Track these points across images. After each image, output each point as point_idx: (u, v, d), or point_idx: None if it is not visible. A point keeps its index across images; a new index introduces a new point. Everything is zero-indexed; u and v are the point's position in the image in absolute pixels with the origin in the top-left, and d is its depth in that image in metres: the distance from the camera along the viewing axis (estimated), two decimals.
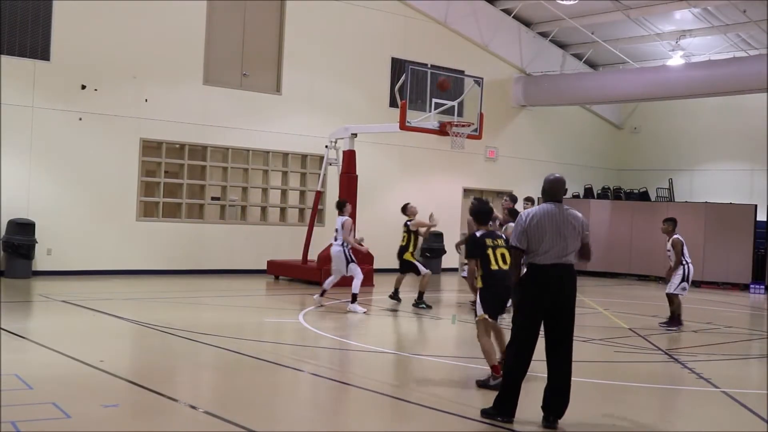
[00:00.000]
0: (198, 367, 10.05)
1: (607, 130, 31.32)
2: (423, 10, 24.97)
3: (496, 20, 26.61)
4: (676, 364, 11.08)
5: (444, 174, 25.38)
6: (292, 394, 8.99)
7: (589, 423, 7.79)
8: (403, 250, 16.43)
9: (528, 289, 7.53)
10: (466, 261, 14.85)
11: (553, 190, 7.68)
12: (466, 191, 26.47)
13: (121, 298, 15.66)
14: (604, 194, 28.73)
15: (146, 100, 19.97)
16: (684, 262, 14.12)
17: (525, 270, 7.67)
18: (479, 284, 9.10)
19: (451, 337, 13.24)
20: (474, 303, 13.98)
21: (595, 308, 16.48)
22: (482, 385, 8.97)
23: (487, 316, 9.01)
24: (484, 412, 7.58)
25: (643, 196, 28.31)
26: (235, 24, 21.68)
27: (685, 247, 14.24)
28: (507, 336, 8.11)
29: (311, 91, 22.74)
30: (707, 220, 24.10)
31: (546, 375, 7.55)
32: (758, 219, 24.49)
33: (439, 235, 24.44)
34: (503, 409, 7.48)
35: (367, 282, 19.42)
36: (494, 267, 9.02)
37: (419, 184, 24.80)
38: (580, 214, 7.68)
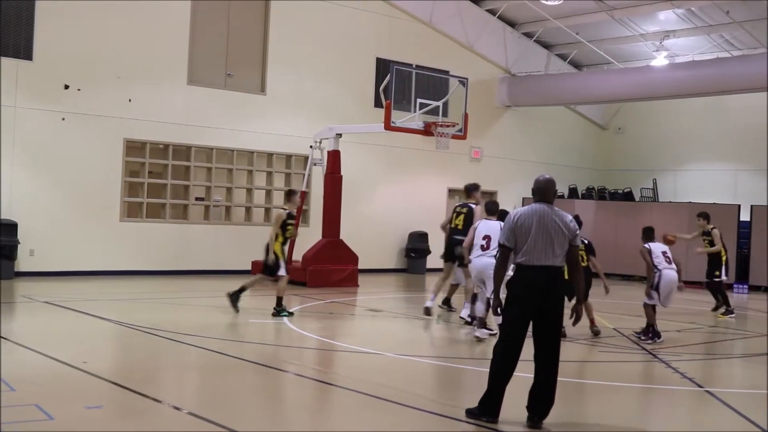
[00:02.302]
0: (182, 368, 10.02)
1: (591, 131, 31.41)
2: (408, 11, 24.97)
3: (481, 20, 26.63)
4: (660, 363, 11.12)
5: (429, 174, 25.40)
6: (276, 394, 8.98)
7: (573, 423, 7.81)
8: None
9: (515, 290, 7.54)
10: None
11: (543, 190, 7.69)
12: (451, 191, 26.48)
13: (104, 299, 15.59)
14: (588, 194, 28.83)
15: (130, 100, 19.89)
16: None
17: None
18: None
19: (436, 337, 13.24)
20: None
21: None
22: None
23: None
24: (469, 412, 7.57)
25: (627, 196, 28.41)
26: (219, 24, 21.62)
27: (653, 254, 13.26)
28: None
29: (296, 91, 22.70)
30: (691, 221, 24.12)
31: (531, 375, 7.55)
32: (741, 219, 24.61)
33: (423, 236, 24.46)
34: (488, 409, 7.47)
35: (352, 283, 19.46)
36: None
37: (404, 184, 24.83)
38: (570, 217, 7.68)
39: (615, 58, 27.86)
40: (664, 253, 13.14)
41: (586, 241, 12.79)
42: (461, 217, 14.30)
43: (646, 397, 9.43)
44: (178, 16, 20.73)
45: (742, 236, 24.44)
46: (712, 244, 17.03)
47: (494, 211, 12.77)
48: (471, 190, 14.67)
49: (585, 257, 12.60)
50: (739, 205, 24.73)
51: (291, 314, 14.11)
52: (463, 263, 13.35)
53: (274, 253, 14.09)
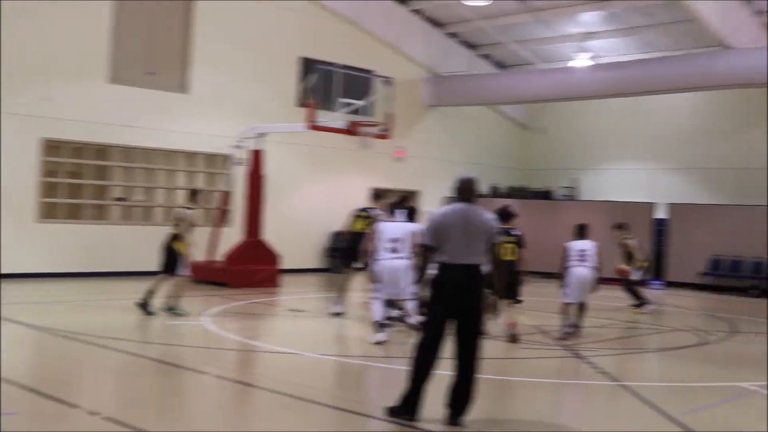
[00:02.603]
0: (100, 372, 9.83)
1: (514, 130, 31.76)
2: (333, 10, 24.92)
3: (406, 20, 26.71)
4: (577, 359, 11.31)
5: (353, 174, 25.38)
6: (195, 397, 8.89)
7: (492, 420, 7.90)
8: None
9: (436, 288, 7.59)
10: None
11: (464, 190, 7.76)
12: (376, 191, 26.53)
13: (20, 302, 15.21)
14: (510, 193, 29.15)
15: (48, 99, 19.43)
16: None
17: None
18: None
19: (356, 337, 13.25)
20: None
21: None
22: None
23: None
24: (389, 410, 7.60)
25: (548, 195, 28.81)
26: (141, 21, 21.27)
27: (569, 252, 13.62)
28: None
29: (219, 90, 22.47)
30: (608, 219, 24.58)
31: (451, 373, 7.62)
32: (657, 217, 25.17)
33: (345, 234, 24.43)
34: (408, 407, 7.51)
35: (274, 283, 19.38)
36: (504, 258, 11.21)
37: (328, 183, 24.79)
38: (491, 216, 7.78)
39: (538, 59, 28.21)
40: (581, 251, 13.35)
41: (519, 233, 12.68)
42: (367, 221, 14.15)
43: (564, 392, 9.59)
44: (99, 14, 20.30)
45: (657, 233, 25.02)
46: (630, 255, 17.49)
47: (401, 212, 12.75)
48: (379, 196, 14.75)
49: (516, 250, 12.45)
50: (654, 203, 25.29)
51: (185, 314, 13.97)
52: (363, 267, 13.42)
53: (180, 251, 14.24)
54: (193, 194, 15.07)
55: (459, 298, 7.51)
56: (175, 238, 14.29)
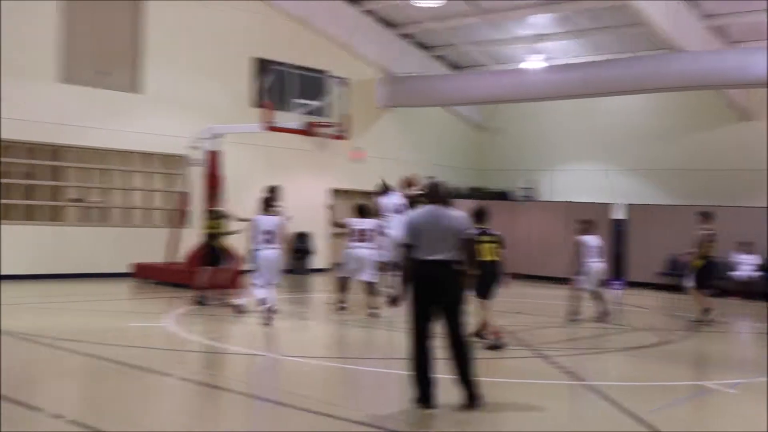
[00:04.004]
0: (62, 375, 9.70)
1: (469, 131, 31.90)
2: (286, 10, 24.85)
3: (359, 21, 26.68)
4: (541, 359, 11.37)
5: (310, 174, 25.33)
6: (159, 399, 8.80)
7: (457, 420, 7.91)
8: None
9: (410, 282, 8.19)
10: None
11: (433, 193, 8.49)
12: (334, 192, 26.53)
13: None
14: (468, 194, 29.24)
15: None
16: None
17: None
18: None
19: (321, 337, 13.22)
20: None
21: None
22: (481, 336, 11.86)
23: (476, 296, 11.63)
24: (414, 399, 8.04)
25: (506, 195, 28.95)
26: (93, 20, 21.03)
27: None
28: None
29: (174, 91, 22.31)
30: (567, 219, 24.80)
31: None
32: (615, 218, 25.40)
33: (306, 236, 24.39)
34: (418, 395, 7.99)
35: (235, 284, 19.22)
36: (484, 258, 11.74)
37: (285, 184, 24.44)
38: (460, 214, 8.42)
39: (491, 60, 28.35)
40: (598, 247, 15.60)
41: (498, 233, 12.49)
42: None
43: (529, 392, 9.59)
44: (49, 12, 20.03)
45: (616, 234, 25.21)
46: None
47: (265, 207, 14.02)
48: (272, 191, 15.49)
49: (496, 250, 12.24)
50: (612, 204, 25.51)
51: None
52: None
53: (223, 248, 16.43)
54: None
55: (431, 291, 8.08)
56: (219, 236, 16.27)
